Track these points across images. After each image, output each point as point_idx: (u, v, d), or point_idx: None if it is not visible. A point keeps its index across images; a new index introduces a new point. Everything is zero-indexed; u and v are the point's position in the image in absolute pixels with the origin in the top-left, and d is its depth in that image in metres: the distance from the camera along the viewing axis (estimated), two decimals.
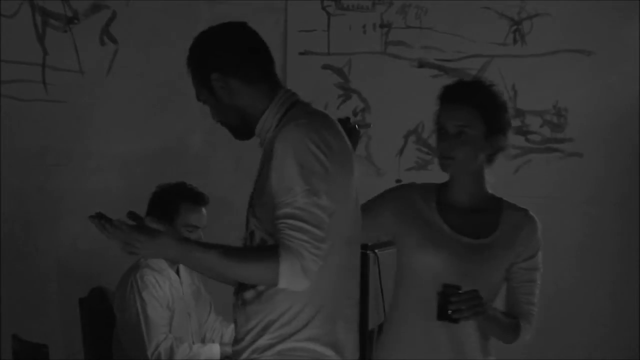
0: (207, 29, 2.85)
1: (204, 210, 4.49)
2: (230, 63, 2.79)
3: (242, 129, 2.85)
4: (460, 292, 2.93)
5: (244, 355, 2.78)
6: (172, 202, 4.45)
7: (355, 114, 5.74)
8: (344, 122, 3.01)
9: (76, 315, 4.66)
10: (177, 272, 4.51)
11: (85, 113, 5.46)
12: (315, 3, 5.77)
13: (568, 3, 5.77)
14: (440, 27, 5.81)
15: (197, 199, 4.47)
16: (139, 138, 5.48)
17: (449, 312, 2.92)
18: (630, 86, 5.78)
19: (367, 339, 3.70)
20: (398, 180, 5.71)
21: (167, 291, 4.41)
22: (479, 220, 3.14)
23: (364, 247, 3.65)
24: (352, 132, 3.09)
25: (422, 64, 5.83)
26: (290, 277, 2.61)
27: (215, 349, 4.41)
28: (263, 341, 2.74)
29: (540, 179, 5.56)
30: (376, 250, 3.70)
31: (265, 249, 2.71)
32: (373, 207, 3.19)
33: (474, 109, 3.08)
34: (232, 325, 4.63)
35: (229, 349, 4.40)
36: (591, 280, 5.71)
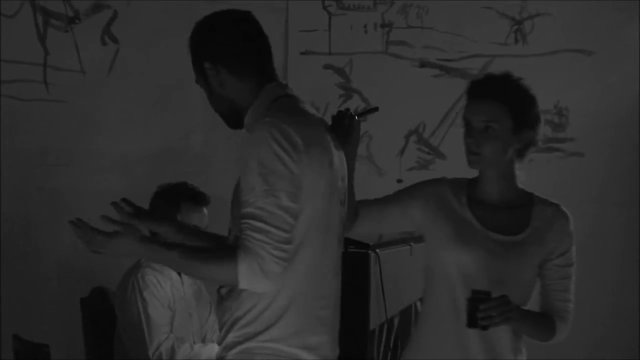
0: (209, 15, 2.82)
1: (205, 210, 4.48)
2: (221, 54, 2.76)
3: (233, 118, 2.83)
4: (489, 298, 2.86)
5: (218, 351, 2.80)
6: (174, 202, 4.45)
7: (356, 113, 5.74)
8: (343, 115, 2.95)
9: (77, 315, 4.66)
10: (179, 272, 4.50)
11: (87, 113, 5.46)
12: (317, 3, 5.77)
13: (569, 3, 5.77)
14: (442, 26, 5.81)
15: (198, 198, 4.47)
16: (140, 138, 5.48)
17: (479, 319, 2.85)
18: (631, 86, 5.78)
19: (368, 338, 3.69)
20: (399, 180, 5.72)
21: (169, 291, 4.40)
22: (510, 217, 3.06)
23: (365, 246, 3.65)
24: (350, 127, 2.99)
25: (423, 64, 5.83)
26: (250, 278, 2.57)
27: (216, 349, 4.39)
28: (230, 338, 2.73)
29: (541, 179, 5.55)
30: (377, 250, 3.70)
31: (225, 249, 2.69)
32: (403, 199, 3.13)
33: (500, 103, 3.00)
34: None
35: None
36: (591, 280, 5.71)
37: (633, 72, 5.78)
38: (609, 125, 5.79)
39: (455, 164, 5.73)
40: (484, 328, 2.87)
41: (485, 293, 2.86)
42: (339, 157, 2.80)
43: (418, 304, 4.56)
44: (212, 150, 5.58)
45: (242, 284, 2.59)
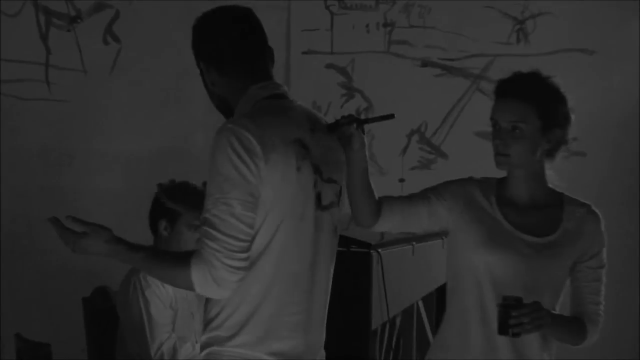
0: (206, 12, 2.81)
1: None
2: (210, 55, 2.77)
3: (228, 116, 2.83)
4: (521, 304, 2.79)
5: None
6: (175, 202, 4.44)
7: (358, 113, 5.74)
8: (335, 125, 2.81)
9: (79, 315, 4.65)
10: None
11: (88, 112, 5.47)
12: (319, 2, 5.77)
13: (571, 2, 5.77)
14: (444, 26, 5.81)
15: (200, 198, 4.46)
16: (141, 137, 5.49)
17: (510, 326, 2.78)
18: (633, 85, 5.78)
19: (370, 338, 3.69)
20: (401, 180, 5.71)
21: (170, 291, 4.40)
22: (541, 217, 2.99)
23: (367, 246, 3.65)
24: (350, 135, 2.86)
25: (425, 63, 5.83)
26: (203, 286, 2.59)
27: None
28: (203, 339, 2.75)
29: None
30: (379, 250, 3.70)
31: (184, 256, 2.67)
32: (430, 199, 3.04)
33: (528, 103, 2.92)
34: None
35: None
36: None
37: (635, 72, 5.77)
38: (611, 124, 5.79)
39: (457, 164, 5.76)
40: (516, 335, 2.81)
41: (516, 299, 2.79)
42: (322, 159, 2.76)
43: (420, 303, 4.56)
44: None
45: (197, 290, 2.61)
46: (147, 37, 5.53)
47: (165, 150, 5.50)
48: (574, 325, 3.00)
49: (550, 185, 3.04)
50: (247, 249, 2.60)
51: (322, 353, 2.86)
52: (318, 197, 2.75)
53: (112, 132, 5.48)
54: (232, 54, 2.75)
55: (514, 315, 2.76)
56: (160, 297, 4.33)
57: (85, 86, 5.48)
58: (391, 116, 3.02)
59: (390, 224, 3.04)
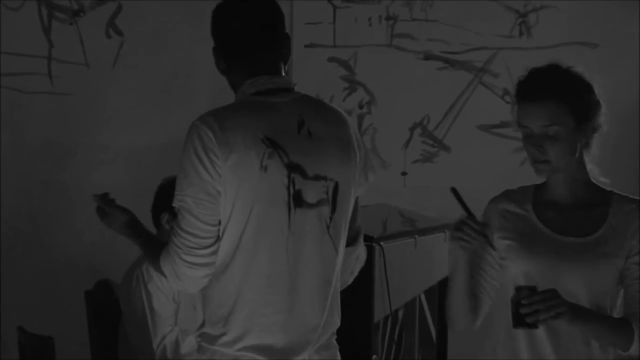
0: (220, 2, 2.83)
1: None
2: (218, 45, 2.81)
3: None
4: (534, 292, 2.61)
5: None
6: None
7: (360, 106, 5.74)
8: None
9: (82, 308, 4.66)
10: None
11: (91, 106, 5.47)
12: None
13: None
14: (446, 19, 5.81)
15: None
16: (144, 131, 5.49)
17: (524, 316, 2.60)
18: (635, 79, 5.77)
19: (373, 331, 3.69)
20: (404, 173, 5.71)
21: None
22: (585, 216, 2.78)
23: (369, 239, 3.65)
24: None
25: (427, 57, 5.83)
26: (170, 279, 2.71)
27: None
28: (197, 333, 2.80)
29: None
30: (381, 243, 3.70)
31: (164, 248, 2.75)
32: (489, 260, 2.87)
33: (559, 103, 2.72)
34: None
35: None
36: None
37: (636, 66, 5.77)
38: (613, 118, 5.77)
39: (460, 157, 5.75)
40: (532, 326, 2.62)
41: (530, 288, 2.62)
42: (307, 157, 2.72)
43: (422, 296, 4.56)
44: None
45: (169, 283, 2.74)
46: (149, 30, 5.52)
47: (168, 143, 5.49)
48: (615, 324, 2.73)
49: (595, 182, 2.85)
50: (209, 245, 2.65)
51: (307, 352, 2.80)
52: (297, 196, 2.71)
53: (115, 125, 5.48)
54: (232, 46, 2.77)
55: (524, 304, 2.58)
56: (163, 290, 4.33)
57: (88, 80, 5.48)
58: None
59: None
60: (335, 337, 2.87)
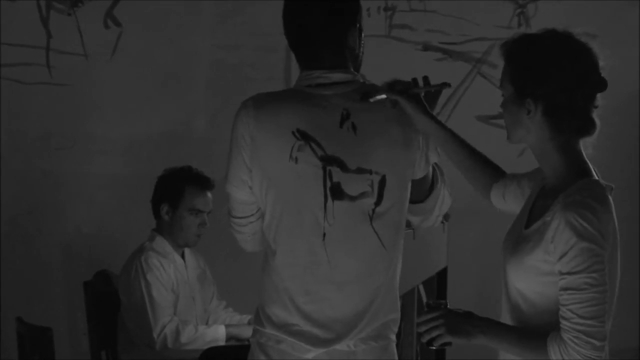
0: None
1: (209, 194, 4.49)
2: (287, 37, 2.87)
3: None
4: (430, 310, 2.50)
5: None
6: (178, 186, 4.46)
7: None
8: (365, 97, 2.82)
9: (81, 299, 4.67)
10: (183, 256, 4.51)
11: (90, 96, 5.46)
12: None
13: None
14: (445, 10, 5.80)
15: (202, 183, 4.48)
16: (143, 122, 5.48)
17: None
18: (634, 70, 5.77)
19: None
20: None
21: (172, 274, 4.42)
22: (537, 209, 2.55)
23: None
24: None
25: (426, 47, 5.83)
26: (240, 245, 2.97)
27: (220, 330, 4.41)
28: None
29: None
30: None
31: None
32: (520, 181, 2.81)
33: (505, 67, 2.57)
34: (232, 311, 4.65)
35: (234, 330, 4.42)
36: None
37: (636, 56, 5.77)
38: (611, 109, 5.77)
39: None
40: (429, 345, 2.49)
41: (432, 305, 2.50)
42: (349, 150, 2.74)
43: (421, 287, 4.57)
44: (216, 134, 5.56)
45: None
46: (148, 21, 5.51)
47: (167, 134, 5.50)
48: (524, 340, 2.47)
49: (576, 170, 2.55)
50: (247, 224, 2.87)
51: (364, 346, 2.84)
52: (336, 188, 2.73)
53: (114, 116, 5.48)
54: (293, 40, 2.85)
55: (417, 322, 2.50)
56: (162, 280, 4.35)
57: (86, 70, 5.47)
58: (446, 85, 2.88)
59: (499, 198, 2.82)
60: (392, 329, 2.93)
